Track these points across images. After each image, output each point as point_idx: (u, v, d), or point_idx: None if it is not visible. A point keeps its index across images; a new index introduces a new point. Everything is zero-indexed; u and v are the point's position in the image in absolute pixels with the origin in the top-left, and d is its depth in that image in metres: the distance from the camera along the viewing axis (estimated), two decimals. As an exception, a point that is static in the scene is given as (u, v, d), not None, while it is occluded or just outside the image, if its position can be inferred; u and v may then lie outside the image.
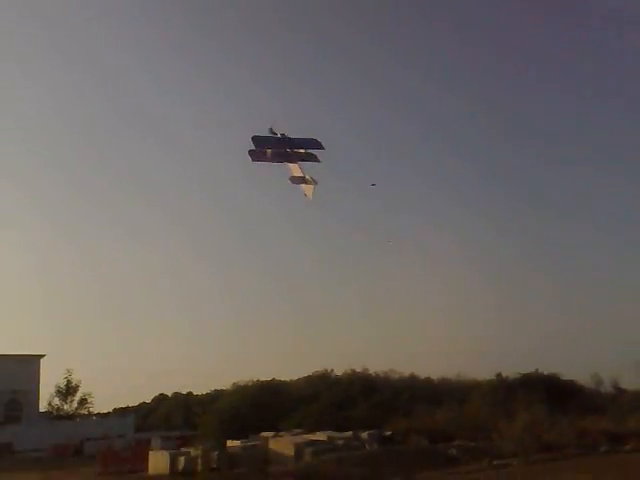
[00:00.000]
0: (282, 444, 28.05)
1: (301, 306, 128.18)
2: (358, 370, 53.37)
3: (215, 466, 25.76)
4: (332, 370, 55.58)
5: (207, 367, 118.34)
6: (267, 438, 29.85)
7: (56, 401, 67.50)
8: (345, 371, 54.28)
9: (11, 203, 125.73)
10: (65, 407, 67.32)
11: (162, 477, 24.68)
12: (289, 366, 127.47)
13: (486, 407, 36.23)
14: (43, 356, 68.91)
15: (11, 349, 68.62)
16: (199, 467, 25.63)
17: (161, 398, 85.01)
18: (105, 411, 78.17)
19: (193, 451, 26.85)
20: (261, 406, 41.71)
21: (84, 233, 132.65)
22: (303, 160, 30.12)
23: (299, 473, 22.50)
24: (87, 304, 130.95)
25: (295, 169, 29.61)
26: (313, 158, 28.82)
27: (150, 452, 28.21)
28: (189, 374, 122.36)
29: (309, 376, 56.27)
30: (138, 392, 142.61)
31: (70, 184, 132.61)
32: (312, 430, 32.99)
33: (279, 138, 27.88)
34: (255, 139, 27.93)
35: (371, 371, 53.22)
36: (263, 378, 50.77)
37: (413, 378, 53.75)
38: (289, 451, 26.97)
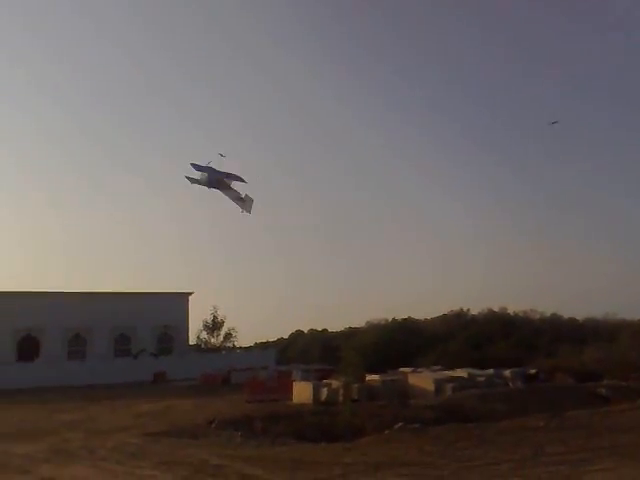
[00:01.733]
0: (421, 379, 28.15)
1: (436, 244, 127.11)
2: (495, 309, 52.22)
3: (356, 398, 26.29)
4: (468, 309, 54.84)
5: (341, 305, 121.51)
6: (406, 373, 30.11)
7: (204, 335, 72.33)
8: (481, 310, 53.37)
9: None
10: (212, 340, 71.95)
11: (306, 406, 25.59)
12: (423, 305, 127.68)
13: (637, 347, 34.23)
14: (191, 294, 73.62)
15: (163, 287, 74.06)
16: (340, 398, 26.28)
17: (298, 334, 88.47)
18: (247, 345, 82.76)
19: (334, 383, 27.59)
20: (398, 343, 42.14)
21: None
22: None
23: (441, 407, 22.45)
24: (230, 245, 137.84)
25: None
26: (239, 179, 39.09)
27: (294, 383, 29.30)
28: (324, 311, 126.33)
29: (444, 315, 55.95)
30: (277, 328, 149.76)
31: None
32: (450, 367, 32.80)
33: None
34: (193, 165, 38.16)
35: (509, 310, 51.89)
36: (397, 316, 51.12)
37: (555, 318, 51.78)
38: (429, 386, 27.01)
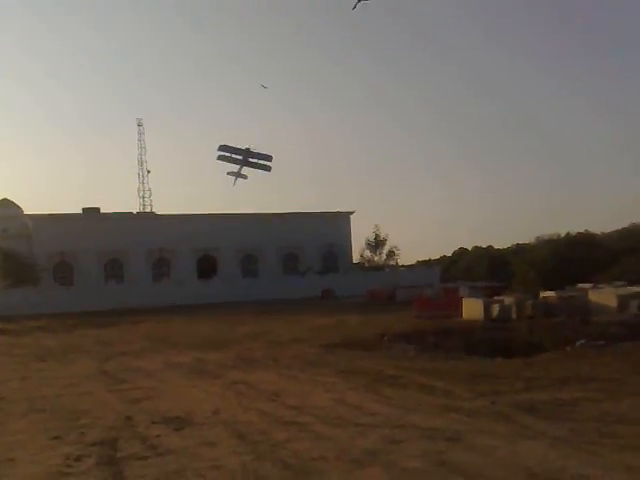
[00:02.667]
0: (603, 296, 26.44)
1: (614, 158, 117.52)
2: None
3: (530, 314, 25.38)
4: (650, 222, 50.26)
5: (507, 221, 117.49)
6: (585, 289, 28.45)
7: (367, 253, 73.57)
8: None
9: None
10: (375, 259, 73.02)
11: (477, 322, 25.18)
12: (599, 218, 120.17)
13: None
14: (352, 213, 74.76)
15: (325, 207, 75.80)
16: (513, 315, 25.52)
17: (461, 252, 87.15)
18: (409, 263, 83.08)
19: (506, 300, 26.81)
20: (573, 259, 39.82)
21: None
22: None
23: (626, 323, 20.97)
24: (393, 163, 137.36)
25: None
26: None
27: (463, 299, 28.88)
28: (489, 228, 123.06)
29: (624, 229, 51.89)
30: (440, 246, 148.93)
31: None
32: (635, 283, 30.46)
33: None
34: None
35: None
36: (571, 230, 48.15)
37: None
38: (612, 302, 25.32)
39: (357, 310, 38.35)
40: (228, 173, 68.47)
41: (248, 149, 66.53)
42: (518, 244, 67.69)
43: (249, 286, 63.25)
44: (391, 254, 72.77)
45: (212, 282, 65.11)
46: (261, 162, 67.56)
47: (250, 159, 66.97)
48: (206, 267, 68.99)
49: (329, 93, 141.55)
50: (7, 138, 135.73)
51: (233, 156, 66.85)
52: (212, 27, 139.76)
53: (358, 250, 75.07)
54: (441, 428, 9.51)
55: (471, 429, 9.44)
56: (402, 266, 76.35)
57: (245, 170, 68.16)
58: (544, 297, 27.27)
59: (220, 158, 67.70)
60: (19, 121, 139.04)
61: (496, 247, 79.81)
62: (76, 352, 23.29)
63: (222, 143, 67.67)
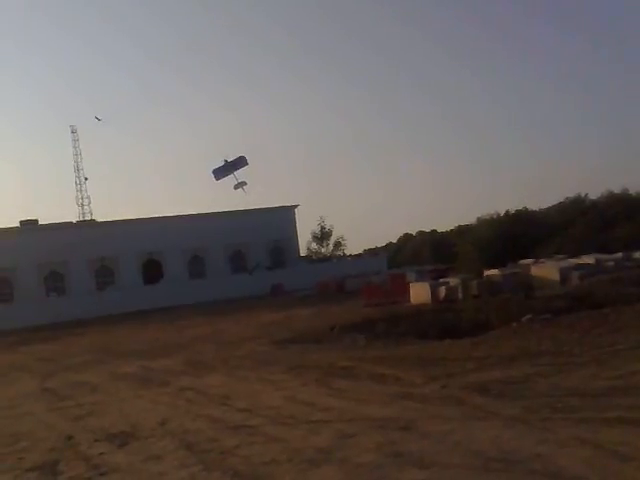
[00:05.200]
0: (545, 270, 26.98)
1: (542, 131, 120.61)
2: (616, 192, 48.83)
3: (476, 293, 25.69)
4: (586, 195, 51.66)
5: (448, 204, 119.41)
6: (528, 265, 28.97)
7: (313, 246, 73.43)
8: (601, 194, 50.10)
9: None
10: (322, 250, 72.98)
11: (425, 305, 25.34)
12: (536, 195, 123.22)
13: None
14: (297, 206, 74.47)
15: (269, 203, 75.29)
16: (460, 295, 25.77)
17: (406, 237, 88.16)
18: (356, 252, 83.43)
19: (452, 281, 27.06)
20: (514, 236, 40.57)
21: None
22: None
23: (570, 295, 21.40)
24: (330, 154, 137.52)
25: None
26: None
27: (410, 284, 29.02)
28: (431, 212, 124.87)
29: (560, 203, 53.22)
30: (384, 233, 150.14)
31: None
32: (574, 255, 31.22)
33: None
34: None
35: (632, 192, 48.28)
36: (510, 209, 49.05)
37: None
38: (554, 276, 25.87)
39: (307, 303, 38.21)
40: (235, 187, 69.48)
41: (226, 160, 69.14)
42: (460, 226, 68.77)
43: (197, 288, 62.23)
44: (338, 245, 72.92)
45: (159, 287, 63.80)
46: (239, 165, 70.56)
47: (236, 166, 69.51)
48: (152, 272, 67.53)
49: (258, 85, 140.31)
50: None
51: (226, 172, 69.65)
52: (127, 20, 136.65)
53: (305, 243, 74.98)
54: (394, 417, 9.36)
55: (423, 416, 9.32)
56: (349, 256, 76.60)
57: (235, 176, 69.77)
58: (488, 276, 27.64)
59: (218, 178, 69.76)
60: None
61: (439, 230, 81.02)
62: (17, 370, 22.34)
63: (213, 168, 70.35)
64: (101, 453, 9.24)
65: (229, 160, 68.89)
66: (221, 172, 69.74)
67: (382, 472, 7.22)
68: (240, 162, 69.15)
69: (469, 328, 19.10)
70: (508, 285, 25.44)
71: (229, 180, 69.69)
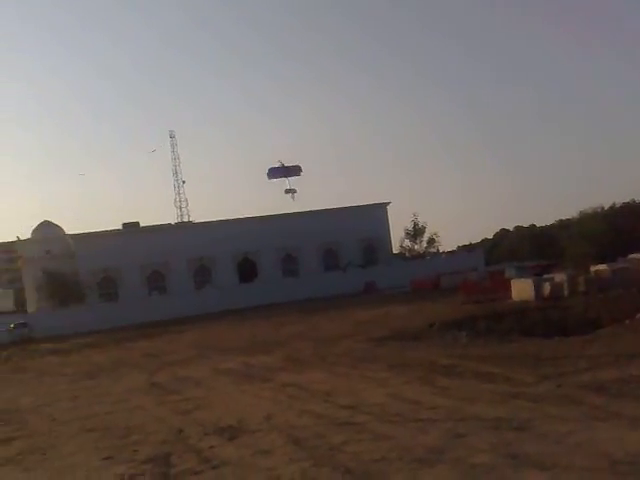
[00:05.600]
0: (657, 264, 25.41)
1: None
2: None
3: (583, 290, 24.48)
4: None
5: (549, 199, 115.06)
6: (638, 260, 27.35)
7: (407, 243, 72.40)
8: None
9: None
10: (415, 248, 71.87)
11: (528, 302, 24.39)
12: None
13: None
14: (389, 203, 73.89)
15: (361, 201, 75.12)
16: (566, 292, 24.65)
17: (503, 233, 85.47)
18: (450, 249, 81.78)
19: (557, 277, 25.92)
20: (622, 230, 38.43)
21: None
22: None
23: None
24: (422, 151, 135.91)
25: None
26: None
27: (512, 281, 28.05)
28: (530, 207, 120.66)
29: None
30: (479, 229, 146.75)
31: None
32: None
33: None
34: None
35: None
36: (620, 201, 46.49)
37: None
38: (667, 271, 24.29)
39: (402, 301, 37.73)
40: (285, 191, 73.05)
41: (282, 163, 71.81)
42: (561, 220, 65.94)
43: (291, 286, 62.93)
44: (431, 242, 71.34)
45: (254, 285, 65.05)
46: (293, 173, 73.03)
47: (289, 174, 72.32)
48: (247, 271, 68.96)
49: (348, 90, 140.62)
50: (42, 161, 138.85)
51: (280, 175, 72.72)
52: (235, 37, 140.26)
53: (398, 240, 74.04)
54: (506, 417, 8.97)
55: (539, 416, 8.89)
56: (443, 253, 75.10)
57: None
58: (596, 271, 26.28)
59: (271, 178, 72.66)
60: (52, 144, 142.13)
61: (539, 225, 78.10)
62: (125, 366, 23.27)
63: (270, 167, 73.09)
64: (211, 446, 9.37)
65: (285, 164, 71.06)
66: (276, 173, 72.01)
67: (499, 473, 6.89)
68: (295, 170, 71.20)
69: (577, 325, 18.23)
70: (618, 281, 24.09)
71: (279, 183, 72.87)
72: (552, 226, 69.42)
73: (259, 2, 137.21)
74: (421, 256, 71.02)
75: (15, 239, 74.11)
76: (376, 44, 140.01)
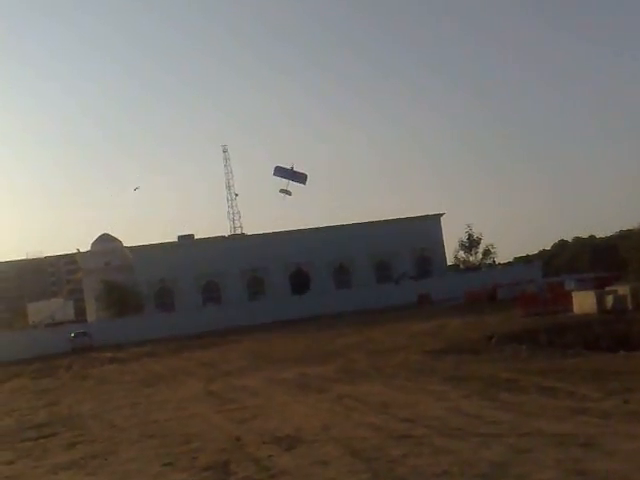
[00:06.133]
0: None
1: None
2: None
3: (647, 303, 23.62)
4: None
5: (609, 209, 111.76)
6: None
7: (461, 254, 71.48)
8: None
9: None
10: (470, 259, 70.87)
11: (590, 315, 23.66)
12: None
13: None
14: (442, 215, 73.25)
15: (414, 212, 74.68)
16: (629, 305, 23.81)
17: (561, 244, 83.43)
18: (506, 260, 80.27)
19: (620, 289, 25.09)
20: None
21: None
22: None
23: None
24: (476, 161, 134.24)
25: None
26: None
27: (573, 293, 27.29)
28: (589, 217, 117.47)
29: None
30: (537, 240, 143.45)
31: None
32: None
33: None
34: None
35: None
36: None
37: None
38: None
39: (457, 313, 37.14)
40: (280, 191, 72.32)
41: (292, 169, 71.52)
42: (622, 231, 63.89)
43: (343, 297, 62.93)
44: (487, 253, 70.25)
45: (306, 296, 65.31)
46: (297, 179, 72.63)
47: (293, 178, 71.71)
48: (299, 282, 69.33)
49: (393, 105, 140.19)
50: (99, 178, 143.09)
51: (284, 175, 72.46)
52: (279, 55, 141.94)
53: (452, 252, 73.19)
54: (572, 433, 8.67)
55: (606, 432, 8.56)
56: (499, 264, 73.78)
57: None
58: (663, 284, 25.32)
59: (275, 175, 72.75)
60: (107, 163, 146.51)
61: (599, 236, 75.92)
62: (182, 375, 23.60)
63: (277, 165, 71.84)
64: (269, 455, 9.36)
65: (294, 169, 70.75)
66: (282, 172, 71.23)
67: (567, 491, 6.65)
68: (300, 177, 70.47)
69: (643, 340, 17.54)
70: (685, 294, 23.14)
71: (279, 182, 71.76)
72: (612, 237, 67.34)
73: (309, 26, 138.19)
74: (476, 268, 69.97)
75: (75, 251, 76.44)
76: (416, 57, 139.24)
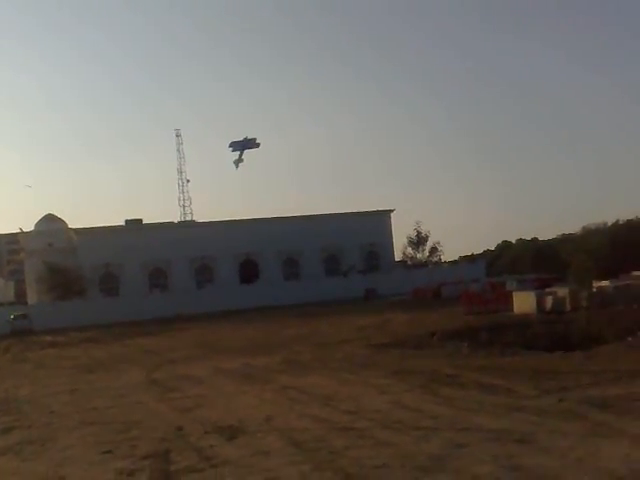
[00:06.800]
0: (661, 282, 25.38)
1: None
2: None
3: (585, 305, 24.46)
4: None
5: (552, 212, 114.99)
6: (641, 277, 27.40)
7: (409, 251, 72.46)
8: None
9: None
10: (418, 256, 71.91)
11: (529, 316, 24.38)
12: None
13: None
14: (392, 211, 73.95)
15: (364, 207, 75.18)
16: (568, 307, 24.63)
17: (505, 245, 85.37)
18: (452, 259, 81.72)
19: (559, 291, 25.91)
20: (626, 246, 38.42)
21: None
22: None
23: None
24: (427, 159, 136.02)
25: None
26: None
27: (514, 293, 28.04)
28: (532, 220, 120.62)
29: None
30: (482, 240, 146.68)
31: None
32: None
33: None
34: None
35: None
36: (624, 218, 46.48)
37: None
38: (671, 289, 24.25)
39: (403, 309, 37.71)
40: (234, 161, 75.49)
41: (246, 137, 74.71)
42: (564, 234, 65.92)
43: (292, 289, 63.05)
44: (434, 251, 71.48)
45: (254, 286, 65.13)
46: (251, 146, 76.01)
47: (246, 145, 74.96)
48: (248, 272, 69.05)
49: (352, 97, 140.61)
50: (48, 158, 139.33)
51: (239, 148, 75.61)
52: (236, 40, 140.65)
53: (400, 248, 74.12)
54: (508, 429, 8.94)
55: (541, 429, 8.85)
56: (445, 262, 75.10)
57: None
58: (599, 287, 26.27)
59: (233, 150, 75.30)
60: (57, 142, 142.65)
61: (541, 238, 78.03)
62: (124, 362, 23.27)
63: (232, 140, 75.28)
64: (211, 445, 9.34)
65: (248, 138, 74.09)
66: (236, 146, 74.52)
67: (502, 485, 6.87)
68: (252, 143, 73.51)
69: (579, 341, 18.21)
70: (620, 297, 24.08)
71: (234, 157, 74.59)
72: (554, 240, 69.41)
73: (265, 9, 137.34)
74: (423, 265, 71.05)
75: (18, 231, 74.16)
76: (381, 56, 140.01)
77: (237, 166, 74.65)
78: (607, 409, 9.69)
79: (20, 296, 74.18)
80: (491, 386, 12.23)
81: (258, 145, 74.23)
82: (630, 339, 17.15)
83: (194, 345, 27.40)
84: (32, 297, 66.64)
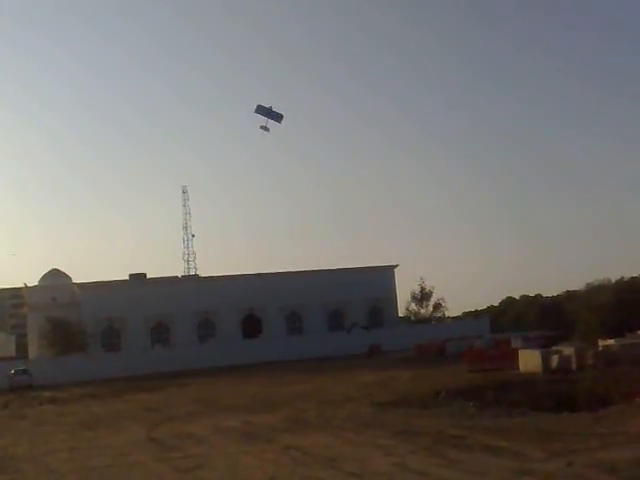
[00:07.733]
0: (668, 341, 25.12)
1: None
2: None
3: (591, 364, 24.17)
4: None
5: (556, 269, 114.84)
6: (648, 335, 27.15)
7: (413, 306, 72.19)
8: None
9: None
10: (421, 312, 71.61)
11: (535, 374, 24.09)
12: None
13: None
14: (396, 266, 74.00)
15: (367, 262, 75.30)
16: (574, 365, 24.34)
17: (509, 301, 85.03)
18: (456, 315, 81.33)
19: (565, 350, 25.65)
20: (631, 304, 38.25)
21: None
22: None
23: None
24: (431, 215, 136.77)
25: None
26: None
27: (520, 351, 27.74)
28: (537, 276, 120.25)
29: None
30: (486, 296, 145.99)
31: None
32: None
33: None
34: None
35: None
36: (628, 275, 46.44)
37: None
38: (679, 349, 23.99)
39: (407, 365, 37.28)
40: (260, 127, 73.41)
41: (271, 108, 73.65)
42: (569, 291, 65.74)
43: (295, 344, 62.56)
44: (438, 306, 71.30)
45: (258, 342, 64.66)
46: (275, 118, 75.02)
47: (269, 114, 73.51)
48: (251, 327, 68.70)
49: (356, 149, 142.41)
50: (53, 212, 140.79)
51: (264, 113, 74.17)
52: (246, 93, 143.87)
53: (404, 304, 73.91)
54: (517, 494, 8.75)
55: (550, 495, 8.67)
56: (449, 318, 74.72)
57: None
58: (605, 346, 26.00)
59: (256, 112, 74.04)
60: (64, 195, 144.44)
61: (545, 295, 77.80)
62: (125, 419, 22.94)
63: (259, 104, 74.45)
64: (212, 509, 9.16)
65: (273, 109, 72.17)
66: (262, 110, 72.15)
67: None
68: (278, 116, 72.06)
69: (586, 401, 17.89)
70: (627, 357, 23.79)
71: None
72: (559, 296, 69.19)
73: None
74: (427, 320, 70.67)
75: (22, 285, 74.21)
76: (385, 100, 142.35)
77: (262, 134, 72.21)
78: (615, 474, 9.51)
79: (21, 351, 73.61)
80: (498, 448, 11.99)
81: (281, 118, 71.90)
82: (638, 400, 16.85)
83: (195, 402, 27.01)
84: (33, 352, 66.20)
